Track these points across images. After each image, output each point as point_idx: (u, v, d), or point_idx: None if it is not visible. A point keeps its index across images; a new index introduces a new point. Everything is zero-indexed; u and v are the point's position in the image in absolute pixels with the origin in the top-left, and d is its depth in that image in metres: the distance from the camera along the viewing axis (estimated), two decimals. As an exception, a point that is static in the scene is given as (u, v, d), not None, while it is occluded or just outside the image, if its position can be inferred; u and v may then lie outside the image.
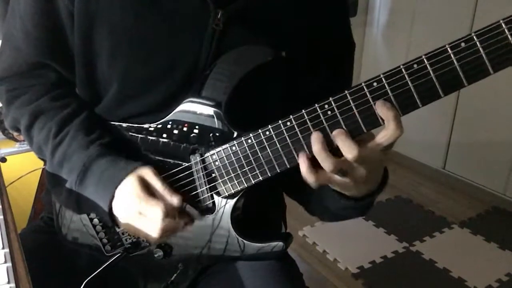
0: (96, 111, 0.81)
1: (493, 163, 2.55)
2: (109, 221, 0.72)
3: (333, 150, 0.64)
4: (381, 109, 0.61)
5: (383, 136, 0.62)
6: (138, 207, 0.69)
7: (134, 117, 0.78)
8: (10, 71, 0.82)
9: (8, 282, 0.56)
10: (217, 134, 0.73)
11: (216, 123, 0.73)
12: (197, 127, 0.74)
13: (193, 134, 0.74)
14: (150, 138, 0.76)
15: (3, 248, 0.62)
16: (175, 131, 0.75)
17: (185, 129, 0.75)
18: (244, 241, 0.76)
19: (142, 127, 0.77)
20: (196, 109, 0.74)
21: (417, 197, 2.65)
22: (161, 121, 0.76)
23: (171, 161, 0.76)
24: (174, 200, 0.70)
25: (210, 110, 0.73)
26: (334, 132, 0.64)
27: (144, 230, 0.71)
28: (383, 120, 0.62)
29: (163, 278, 0.80)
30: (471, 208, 2.55)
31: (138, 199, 0.69)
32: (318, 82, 0.79)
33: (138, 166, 0.72)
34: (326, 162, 0.63)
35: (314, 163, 0.65)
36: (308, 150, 0.66)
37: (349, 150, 0.62)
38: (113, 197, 0.70)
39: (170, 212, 0.69)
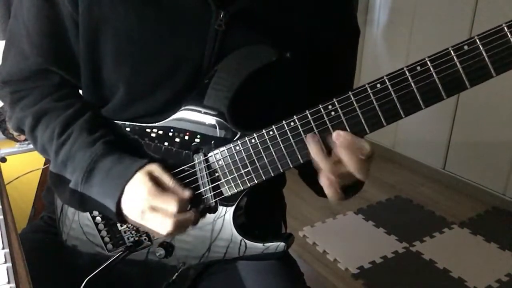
0: (100, 113, 0.81)
1: (493, 163, 2.55)
2: (116, 218, 0.72)
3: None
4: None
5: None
6: (150, 202, 0.69)
7: (139, 117, 0.78)
8: (14, 75, 0.82)
9: (8, 282, 0.55)
10: (219, 143, 0.73)
11: (218, 133, 0.73)
12: (198, 136, 0.75)
13: (194, 143, 0.75)
14: (152, 144, 0.77)
15: (3, 248, 0.61)
16: (177, 139, 0.76)
17: (186, 137, 0.75)
18: (246, 241, 0.76)
19: (145, 131, 0.77)
20: (198, 118, 0.74)
21: (417, 197, 2.65)
22: (162, 125, 0.76)
23: (174, 163, 0.76)
24: (186, 193, 0.71)
25: (212, 120, 0.74)
26: (334, 135, 0.65)
27: (156, 226, 0.70)
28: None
29: (164, 278, 0.80)
30: (471, 208, 2.55)
31: (150, 194, 0.69)
32: (322, 76, 0.79)
33: (145, 162, 0.72)
34: (323, 163, 0.66)
35: None
36: None
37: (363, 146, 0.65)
38: (121, 194, 0.70)
39: (183, 206, 0.70)
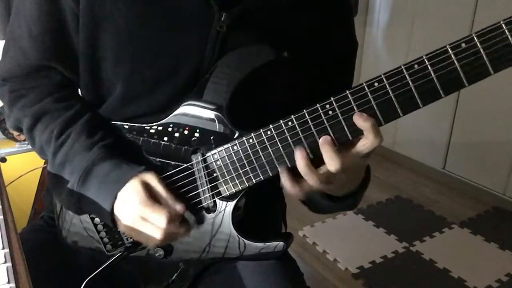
0: (99, 112, 0.81)
1: (493, 163, 2.55)
2: (110, 223, 0.72)
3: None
4: (359, 120, 0.63)
5: (362, 144, 0.64)
6: (141, 212, 0.69)
7: (137, 117, 0.78)
8: (14, 72, 0.82)
9: (8, 282, 0.55)
10: (218, 137, 0.73)
11: (217, 127, 0.73)
12: (198, 130, 0.74)
13: (194, 138, 0.75)
14: (152, 140, 0.77)
15: (3, 248, 0.61)
16: (176, 134, 0.75)
17: (186, 132, 0.75)
18: (245, 240, 0.76)
19: (144, 128, 0.77)
20: (197, 112, 0.74)
21: (417, 197, 2.65)
22: (161, 122, 0.76)
23: (173, 162, 0.76)
24: (178, 207, 0.71)
25: (211, 114, 0.74)
26: (320, 140, 0.65)
27: (145, 235, 0.71)
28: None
29: (164, 278, 0.80)
30: (471, 208, 2.55)
31: (142, 204, 0.69)
32: (320, 81, 0.79)
33: (141, 170, 0.72)
34: (310, 178, 0.66)
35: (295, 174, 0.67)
36: (309, 150, 0.67)
37: (331, 162, 0.64)
38: (115, 199, 0.70)
39: (173, 219, 0.70)
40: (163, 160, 0.76)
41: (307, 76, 0.80)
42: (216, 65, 0.73)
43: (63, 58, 0.80)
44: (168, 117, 0.76)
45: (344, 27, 0.83)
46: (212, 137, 0.74)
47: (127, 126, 0.78)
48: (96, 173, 0.72)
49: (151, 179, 0.71)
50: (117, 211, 0.71)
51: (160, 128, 0.76)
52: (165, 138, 0.76)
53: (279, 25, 0.76)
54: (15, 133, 1.82)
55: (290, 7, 0.76)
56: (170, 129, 0.76)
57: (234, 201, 0.74)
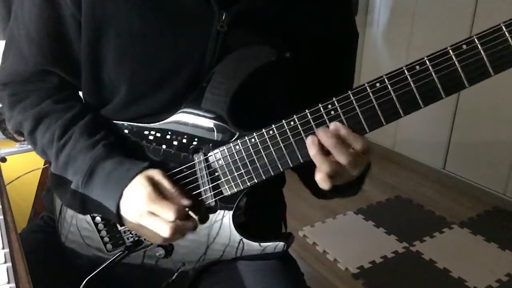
0: (101, 113, 0.81)
1: (493, 163, 2.55)
2: (117, 220, 0.72)
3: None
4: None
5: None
6: (149, 207, 0.69)
7: (140, 117, 0.78)
8: (13, 77, 0.81)
9: (8, 282, 0.55)
10: (217, 146, 0.73)
11: (216, 136, 0.74)
12: (196, 139, 0.75)
13: (192, 146, 0.75)
14: (151, 146, 0.77)
15: (3, 248, 0.61)
16: (175, 142, 0.76)
17: (184, 140, 0.75)
18: (246, 240, 0.76)
19: (143, 134, 0.77)
20: (195, 121, 0.75)
21: (417, 197, 2.65)
22: (159, 127, 0.76)
23: (173, 164, 0.76)
24: (185, 201, 0.71)
25: (210, 123, 0.74)
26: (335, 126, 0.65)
27: (153, 231, 0.70)
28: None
29: (164, 278, 0.80)
30: (471, 208, 2.55)
31: (149, 199, 0.69)
32: (320, 79, 0.79)
33: (145, 166, 0.72)
34: (323, 164, 0.65)
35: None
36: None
37: (359, 143, 0.65)
38: (121, 197, 0.70)
39: (181, 214, 0.69)
40: (164, 160, 0.76)
41: (308, 75, 0.80)
42: (213, 72, 0.74)
43: (63, 63, 0.80)
44: (166, 121, 0.76)
45: (344, 23, 0.84)
46: (210, 145, 0.74)
47: (127, 130, 0.79)
48: (100, 171, 0.72)
49: (156, 174, 0.71)
50: (124, 209, 0.71)
51: (158, 134, 0.77)
52: (164, 146, 0.76)
53: (280, 24, 0.76)
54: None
55: (290, 6, 0.76)
56: (168, 136, 0.76)
57: (236, 201, 0.74)
